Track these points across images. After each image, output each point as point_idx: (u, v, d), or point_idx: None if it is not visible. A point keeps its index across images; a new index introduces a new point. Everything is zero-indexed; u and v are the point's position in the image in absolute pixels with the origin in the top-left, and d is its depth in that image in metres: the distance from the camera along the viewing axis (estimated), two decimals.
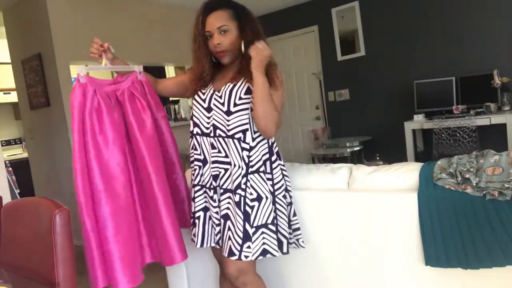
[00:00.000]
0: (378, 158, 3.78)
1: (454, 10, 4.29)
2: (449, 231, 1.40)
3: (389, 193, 1.56)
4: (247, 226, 1.50)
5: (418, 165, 1.60)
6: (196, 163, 1.64)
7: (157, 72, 5.23)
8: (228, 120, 1.54)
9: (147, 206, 1.65)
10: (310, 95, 5.52)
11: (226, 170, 1.57)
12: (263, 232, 1.52)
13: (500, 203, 1.32)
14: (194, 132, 1.63)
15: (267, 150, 1.59)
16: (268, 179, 1.57)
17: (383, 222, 1.56)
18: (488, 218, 1.34)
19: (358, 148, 4.50)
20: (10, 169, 4.47)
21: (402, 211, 1.52)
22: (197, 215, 1.63)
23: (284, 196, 1.61)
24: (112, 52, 1.67)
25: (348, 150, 4.44)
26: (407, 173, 1.59)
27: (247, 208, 1.51)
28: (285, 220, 1.60)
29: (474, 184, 1.37)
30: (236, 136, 1.53)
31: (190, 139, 1.66)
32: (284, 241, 1.59)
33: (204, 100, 1.60)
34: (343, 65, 5.14)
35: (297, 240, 1.66)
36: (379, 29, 4.79)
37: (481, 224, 1.35)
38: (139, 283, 1.54)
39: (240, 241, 1.49)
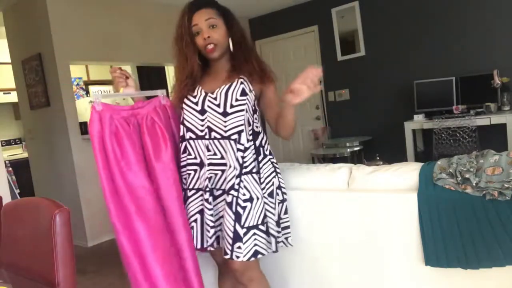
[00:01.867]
0: (378, 158, 3.79)
1: (454, 10, 4.29)
2: (449, 231, 1.40)
3: (389, 193, 1.56)
4: (237, 227, 1.50)
5: (418, 165, 1.60)
6: (189, 167, 1.61)
7: (157, 72, 5.23)
8: (225, 121, 1.53)
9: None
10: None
11: (222, 171, 1.56)
12: (254, 233, 1.52)
13: (500, 203, 1.32)
14: (187, 137, 1.60)
15: (254, 150, 1.59)
16: (259, 177, 1.57)
17: (383, 222, 1.56)
18: (488, 218, 1.34)
19: (358, 148, 4.50)
20: (10, 169, 4.47)
21: (402, 211, 1.52)
22: (193, 218, 1.61)
23: (271, 194, 1.60)
24: (133, 78, 1.65)
25: (348, 150, 4.44)
26: (407, 173, 1.59)
27: (239, 209, 1.51)
28: (272, 219, 1.58)
29: (474, 184, 1.37)
30: (232, 137, 1.53)
31: (181, 143, 1.63)
32: (272, 240, 1.58)
33: (196, 103, 1.58)
34: (343, 65, 5.14)
35: (286, 238, 1.65)
36: (379, 29, 4.79)
37: (481, 224, 1.35)
38: None
39: (230, 241, 1.50)
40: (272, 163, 1.63)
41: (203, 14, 1.54)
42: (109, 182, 1.48)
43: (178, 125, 1.66)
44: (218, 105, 1.55)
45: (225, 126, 1.54)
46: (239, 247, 1.49)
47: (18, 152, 5.61)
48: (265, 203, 1.57)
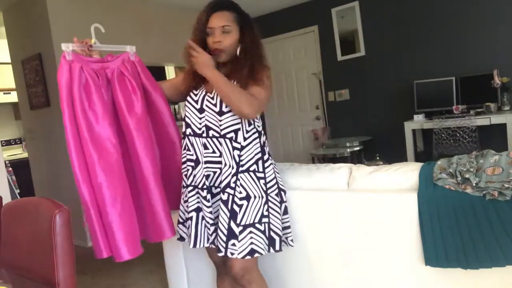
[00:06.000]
0: (378, 158, 3.79)
1: (454, 10, 4.29)
2: (449, 231, 1.40)
3: (389, 193, 1.56)
4: (232, 224, 1.52)
5: (418, 165, 1.60)
6: (188, 163, 1.64)
7: (157, 72, 5.23)
8: (220, 120, 1.56)
9: (135, 185, 1.67)
10: (310, 95, 5.52)
11: (221, 169, 1.58)
12: (251, 232, 1.53)
13: (500, 203, 1.32)
14: (187, 133, 1.64)
15: (259, 149, 1.60)
16: (260, 178, 1.58)
17: (383, 222, 1.56)
18: (488, 218, 1.34)
19: (358, 148, 4.50)
20: (10, 169, 4.47)
21: (402, 211, 1.52)
22: (190, 215, 1.63)
23: (277, 195, 1.62)
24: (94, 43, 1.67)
25: (348, 150, 4.44)
26: (407, 173, 1.59)
27: (235, 207, 1.52)
28: (278, 218, 1.61)
29: (474, 184, 1.37)
30: (228, 135, 1.55)
31: (183, 139, 1.67)
32: (277, 238, 1.59)
33: (196, 102, 1.62)
34: (343, 65, 5.14)
35: (286, 238, 1.66)
36: (379, 29, 4.79)
37: (481, 224, 1.35)
38: (138, 255, 1.58)
39: (224, 238, 1.52)
40: (271, 164, 1.65)
41: (220, 18, 1.56)
42: (75, 134, 1.53)
43: (152, 81, 1.71)
44: (215, 105, 1.57)
45: (221, 125, 1.56)
46: (233, 244, 1.52)
47: (18, 152, 5.61)
48: (271, 202, 1.59)
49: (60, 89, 1.52)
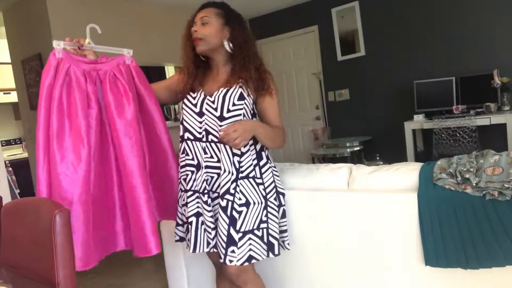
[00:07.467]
0: (378, 158, 3.79)
1: (454, 10, 4.29)
2: (449, 231, 1.40)
3: (389, 193, 1.56)
4: (232, 231, 1.50)
5: (418, 165, 1.60)
6: (188, 168, 1.61)
7: (157, 72, 5.23)
8: (221, 126, 1.53)
9: (123, 195, 1.60)
10: (310, 95, 5.53)
11: (218, 175, 1.56)
12: (250, 238, 1.52)
13: (500, 203, 1.32)
14: (185, 137, 1.61)
15: (255, 155, 1.59)
16: (259, 183, 1.56)
17: (383, 222, 1.56)
18: (488, 218, 1.34)
19: (358, 148, 4.50)
20: (10, 169, 4.47)
21: (402, 211, 1.52)
22: (189, 220, 1.61)
23: (276, 199, 1.61)
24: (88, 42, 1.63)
25: (348, 150, 4.44)
26: (407, 173, 1.59)
27: (234, 213, 1.51)
28: (276, 222, 1.59)
29: (474, 184, 1.37)
30: None
31: (180, 143, 1.64)
32: (275, 243, 1.58)
33: (195, 105, 1.59)
34: (343, 65, 5.14)
35: (283, 242, 1.65)
36: (379, 29, 4.79)
37: (481, 224, 1.35)
38: (88, 268, 1.49)
39: (224, 245, 1.50)
40: (271, 167, 1.64)
41: (202, 12, 1.60)
42: (45, 132, 1.46)
43: (147, 87, 1.65)
44: (216, 109, 1.55)
45: (221, 131, 1.53)
46: (233, 251, 1.50)
47: (18, 152, 5.61)
48: (270, 207, 1.58)
49: (41, 86, 1.47)
